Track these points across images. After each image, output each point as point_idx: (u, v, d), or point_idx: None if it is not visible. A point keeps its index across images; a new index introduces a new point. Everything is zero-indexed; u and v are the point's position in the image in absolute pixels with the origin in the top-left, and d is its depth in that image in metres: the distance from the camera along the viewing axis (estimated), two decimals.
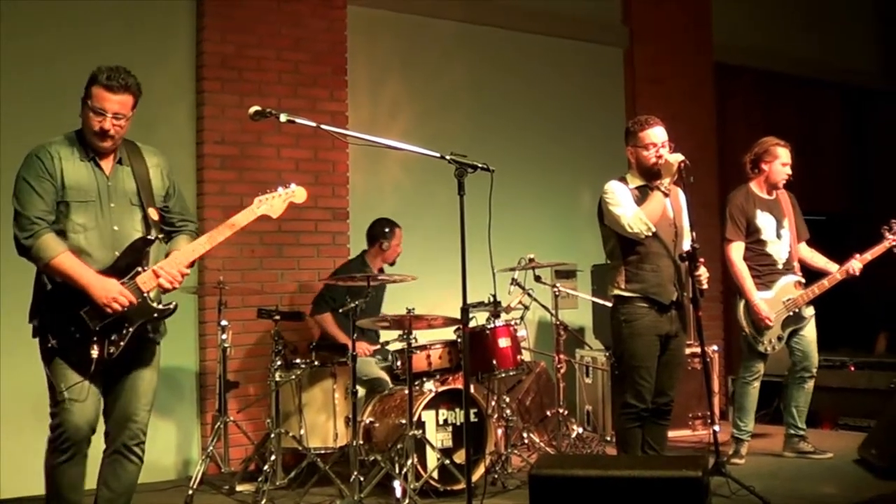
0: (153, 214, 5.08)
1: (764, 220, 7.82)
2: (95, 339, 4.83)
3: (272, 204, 5.39)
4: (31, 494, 6.84)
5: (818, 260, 8.05)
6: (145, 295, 4.95)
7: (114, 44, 7.66)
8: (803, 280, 7.90)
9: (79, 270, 4.80)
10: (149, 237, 5.03)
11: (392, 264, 8.24)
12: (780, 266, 7.84)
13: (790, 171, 7.92)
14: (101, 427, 5.07)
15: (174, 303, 5.12)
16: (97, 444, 5.08)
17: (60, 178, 4.88)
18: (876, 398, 8.95)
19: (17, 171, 4.92)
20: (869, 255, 7.89)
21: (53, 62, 7.55)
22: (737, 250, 7.76)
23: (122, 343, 4.90)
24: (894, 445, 7.21)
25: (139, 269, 4.95)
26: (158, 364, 5.21)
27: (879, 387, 9.14)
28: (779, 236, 7.85)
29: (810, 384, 7.96)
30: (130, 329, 4.92)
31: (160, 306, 5.05)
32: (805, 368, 7.92)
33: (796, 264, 7.92)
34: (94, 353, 4.81)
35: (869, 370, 9.44)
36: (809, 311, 7.88)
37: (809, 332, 7.92)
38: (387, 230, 8.10)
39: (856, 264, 7.85)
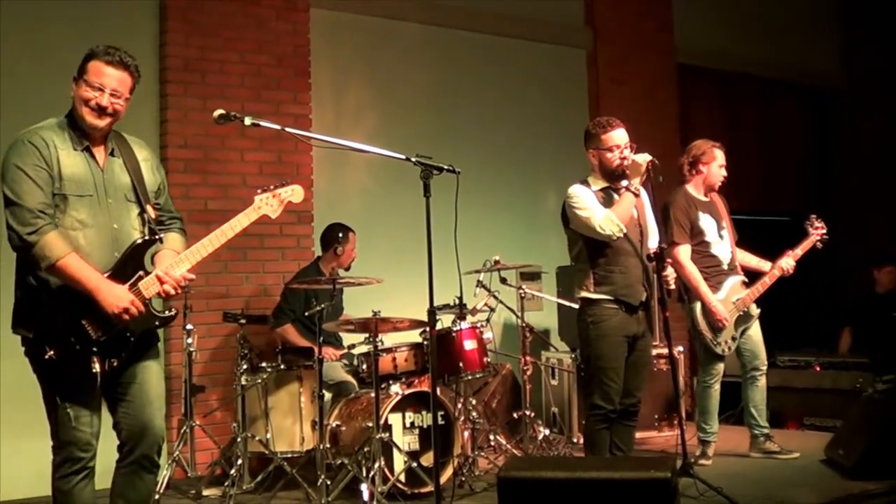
0: (151, 212, 4.78)
1: (706, 222, 7.85)
2: (96, 350, 4.52)
3: (272, 203, 5.15)
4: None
5: (750, 260, 8.11)
6: (148, 301, 4.66)
7: (74, 46, 7.48)
8: (746, 280, 7.96)
9: (87, 274, 4.44)
10: (152, 238, 4.75)
11: (347, 269, 8.19)
12: (725, 266, 7.87)
13: (725, 173, 7.98)
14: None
15: (175, 310, 4.93)
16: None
17: (57, 167, 4.52)
18: (841, 398, 8.98)
19: (5, 157, 4.53)
20: (799, 251, 8.01)
21: (10, 66, 7.47)
22: (685, 253, 7.75)
23: (123, 354, 4.60)
24: (861, 445, 7.24)
25: (141, 273, 4.65)
26: (161, 360, 5.01)
27: (845, 387, 9.17)
28: (720, 237, 7.89)
29: (763, 381, 8.01)
30: (132, 339, 4.62)
31: (162, 314, 4.79)
32: (755, 367, 7.98)
33: (738, 265, 7.98)
34: (97, 367, 4.49)
35: (834, 370, 9.48)
36: (756, 310, 7.94)
37: (755, 331, 7.99)
38: (340, 235, 8.07)
39: (789, 261, 7.95)
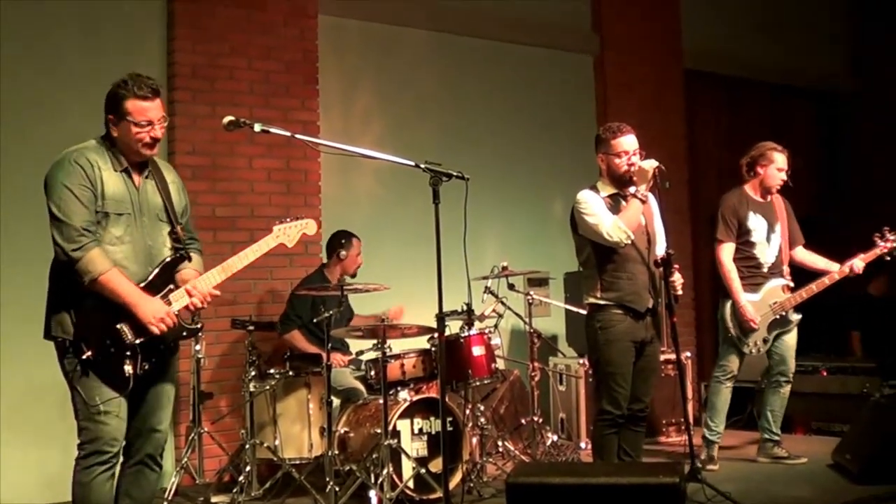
0: (180, 231, 5.09)
1: (756, 223, 7.87)
2: (129, 354, 4.78)
3: (289, 234, 5.57)
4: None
5: (818, 262, 8.06)
6: (177, 313, 4.94)
7: (83, 53, 7.62)
8: (792, 284, 7.94)
9: (126, 289, 4.75)
10: (184, 255, 5.06)
11: (353, 276, 8.19)
12: (766, 269, 7.88)
13: (785, 177, 7.99)
14: None
15: (201, 322, 5.26)
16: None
17: (101, 186, 4.80)
18: (849, 403, 9.00)
19: (51, 174, 4.79)
20: (862, 261, 7.90)
21: (15, 72, 7.48)
22: (727, 251, 7.80)
23: (153, 360, 4.89)
24: (868, 450, 7.25)
25: (171, 286, 4.96)
26: (176, 373, 5.27)
27: (852, 391, 9.19)
28: (768, 240, 7.90)
29: (786, 389, 8.00)
30: (162, 347, 4.93)
31: (190, 326, 5.12)
32: (782, 373, 7.97)
33: (785, 268, 7.97)
34: (129, 369, 4.77)
35: (842, 375, 9.49)
36: (796, 317, 7.93)
37: (791, 337, 7.97)
38: (343, 241, 8.10)
39: (858, 263, 7.87)
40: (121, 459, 4.94)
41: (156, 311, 4.79)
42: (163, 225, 5.04)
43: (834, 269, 7.91)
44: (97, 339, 4.75)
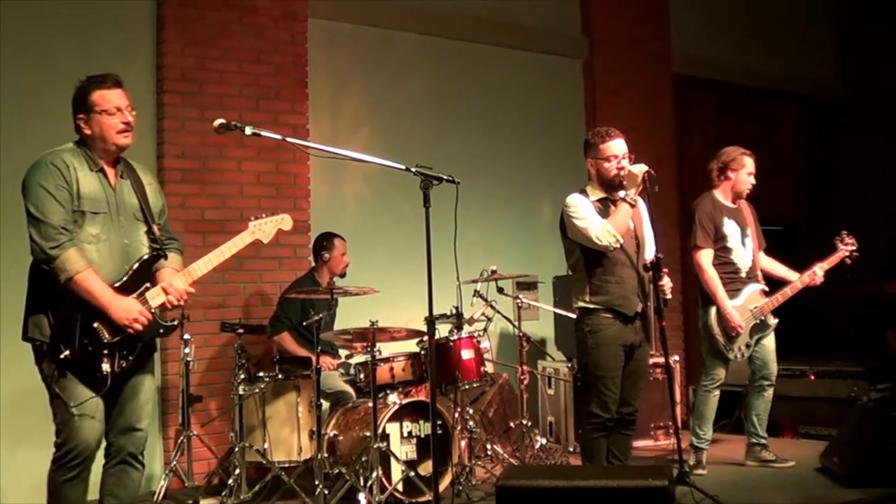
0: (157, 231, 5.14)
1: (730, 228, 7.89)
2: (107, 353, 4.83)
3: (264, 230, 5.55)
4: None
5: (779, 269, 8.13)
6: (154, 310, 4.99)
7: (72, 56, 7.61)
8: (766, 288, 7.98)
9: (100, 289, 4.80)
10: (160, 254, 5.10)
11: (342, 276, 8.22)
12: (744, 274, 7.91)
13: (754, 181, 8.01)
14: None
15: (176, 319, 5.29)
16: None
17: (76, 186, 4.86)
18: (836, 407, 9.02)
19: (28, 176, 4.87)
20: (826, 265, 8.02)
21: (11, 75, 7.48)
22: (707, 257, 7.80)
23: (131, 358, 4.94)
24: (856, 454, 7.27)
25: (147, 284, 5.01)
26: (155, 374, 5.27)
27: (840, 395, 9.21)
28: (743, 244, 7.92)
29: (769, 392, 8.02)
30: (139, 345, 4.97)
31: (167, 322, 5.14)
32: (764, 377, 7.99)
33: (759, 273, 8.01)
34: (107, 368, 4.83)
35: (829, 379, 9.52)
36: (773, 320, 7.96)
37: (769, 341, 8.00)
38: (325, 243, 8.14)
39: (818, 272, 7.95)
40: (93, 463, 4.95)
41: (128, 311, 4.84)
42: (139, 224, 5.10)
43: (794, 278, 8.00)
44: (75, 338, 4.79)
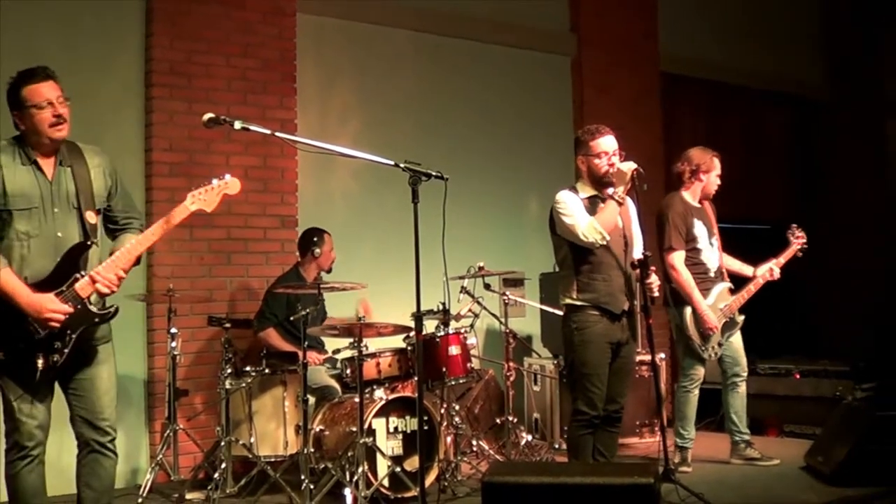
0: (90, 218, 5.02)
1: (699, 229, 7.94)
2: (38, 348, 4.82)
3: (206, 198, 5.26)
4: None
5: (732, 264, 8.26)
6: (84, 300, 4.92)
7: (60, 49, 7.58)
8: (733, 286, 8.05)
9: (14, 288, 4.77)
10: (85, 243, 4.99)
11: (328, 271, 8.22)
12: (712, 274, 7.96)
13: (720, 182, 8.11)
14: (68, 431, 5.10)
15: (114, 306, 5.12)
16: (71, 454, 5.07)
17: (2, 186, 4.84)
18: (821, 406, 9.02)
19: None
20: (782, 259, 8.19)
21: None
22: (680, 258, 7.82)
23: (65, 350, 4.89)
24: (841, 453, 7.29)
25: (77, 275, 4.92)
26: (114, 361, 5.19)
27: (825, 395, 9.22)
28: (711, 244, 7.99)
29: (743, 387, 8.09)
30: (73, 336, 4.90)
31: (100, 311, 5.03)
32: (736, 374, 8.06)
33: (724, 271, 8.06)
34: (40, 363, 4.81)
35: (815, 378, 9.54)
36: (740, 318, 8.03)
37: (737, 338, 8.07)
38: (315, 238, 8.11)
39: (775, 268, 8.11)
40: (44, 453, 5.01)
41: (39, 310, 4.77)
42: (76, 213, 5.01)
43: (748, 272, 8.17)
44: (8, 339, 4.82)
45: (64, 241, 4.94)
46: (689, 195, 8.04)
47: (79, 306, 4.89)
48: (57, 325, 4.81)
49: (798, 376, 9.69)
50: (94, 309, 4.99)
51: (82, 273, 4.93)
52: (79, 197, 5.00)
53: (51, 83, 4.95)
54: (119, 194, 5.26)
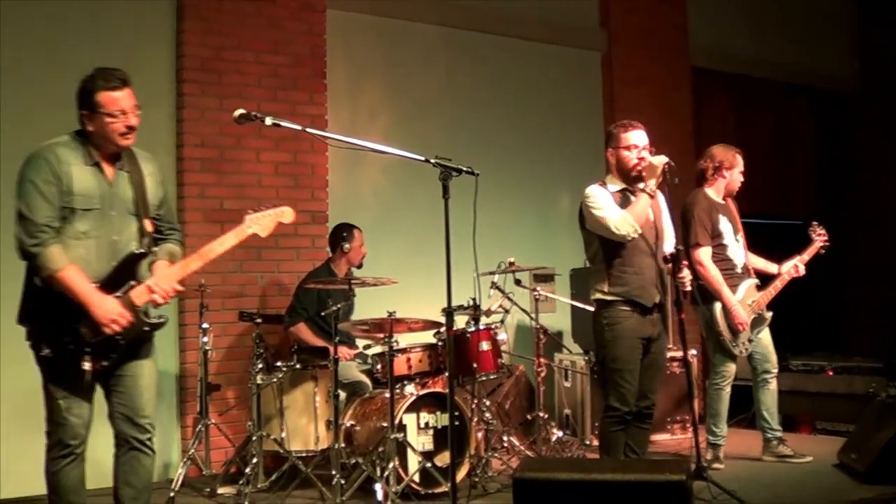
0: (148, 226, 5.07)
1: (724, 225, 7.90)
2: (88, 352, 4.82)
3: (262, 223, 5.39)
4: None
5: (757, 262, 8.21)
6: (138, 308, 4.95)
7: (92, 46, 7.61)
8: (759, 283, 8.02)
9: (82, 287, 4.77)
10: (142, 251, 5.02)
11: (359, 267, 8.22)
12: (739, 270, 7.92)
13: (743, 178, 8.09)
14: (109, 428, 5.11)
15: (165, 317, 5.15)
16: (106, 448, 5.10)
17: (68, 183, 4.83)
18: (854, 403, 8.96)
19: (22, 170, 4.87)
20: (806, 256, 8.17)
21: (20, 64, 7.50)
22: (708, 254, 7.79)
23: (113, 356, 4.92)
24: (874, 450, 7.23)
25: (132, 282, 4.95)
26: (155, 359, 5.21)
27: (858, 391, 9.16)
28: (736, 240, 7.95)
29: (774, 384, 8.04)
30: (122, 343, 4.91)
31: (151, 321, 5.06)
32: (766, 370, 8.01)
33: (751, 268, 8.02)
34: (87, 365, 4.81)
35: (847, 375, 9.47)
36: (769, 314, 7.99)
37: (766, 334, 8.03)
38: (345, 234, 8.11)
39: (800, 264, 8.10)
40: (85, 451, 5.03)
41: (108, 312, 4.81)
42: (132, 218, 5.04)
43: (772, 269, 8.15)
44: (55, 337, 4.83)
45: (120, 244, 4.97)
46: (713, 192, 8.00)
47: (134, 313, 4.92)
48: (119, 329, 4.83)
49: (831, 373, 9.63)
50: (145, 319, 5.02)
51: (139, 281, 4.97)
52: (136, 203, 5.04)
53: (128, 91, 4.95)
54: (167, 205, 5.33)
